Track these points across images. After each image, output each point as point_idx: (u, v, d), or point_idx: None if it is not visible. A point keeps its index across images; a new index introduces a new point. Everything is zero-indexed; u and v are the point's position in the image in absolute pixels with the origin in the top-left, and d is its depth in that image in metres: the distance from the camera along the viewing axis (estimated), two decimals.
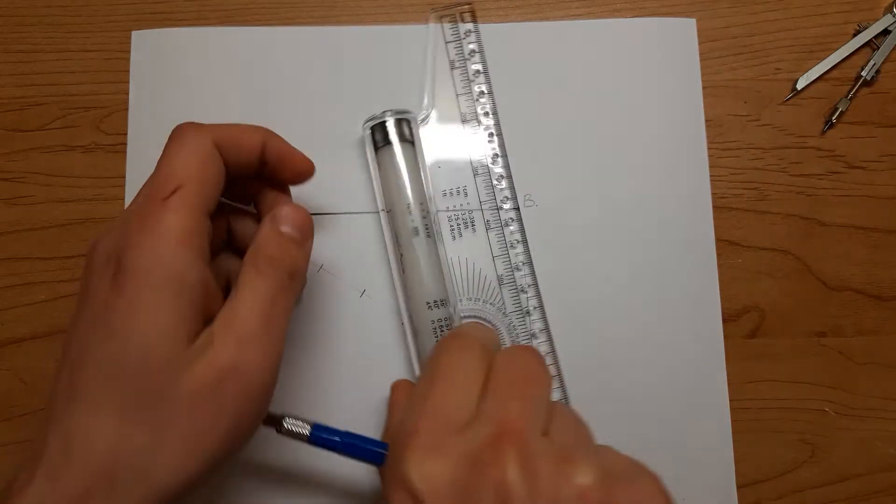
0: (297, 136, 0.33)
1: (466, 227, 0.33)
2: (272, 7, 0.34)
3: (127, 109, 0.33)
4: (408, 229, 0.30)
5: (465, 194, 0.33)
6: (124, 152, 0.33)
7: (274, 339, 0.23)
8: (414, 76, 0.34)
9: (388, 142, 0.31)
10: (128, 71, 0.34)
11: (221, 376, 0.22)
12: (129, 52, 0.34)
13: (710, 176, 0.34)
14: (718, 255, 0.33)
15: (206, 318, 0.23)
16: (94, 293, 0.22)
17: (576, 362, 0.32)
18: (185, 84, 0.34)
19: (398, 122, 0.31)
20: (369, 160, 0.32)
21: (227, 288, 0.27)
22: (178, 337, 0.21)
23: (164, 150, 0.25)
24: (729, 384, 0.32)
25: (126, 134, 0.33)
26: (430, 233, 0.30)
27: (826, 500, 0.32)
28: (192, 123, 0.25)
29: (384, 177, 0.31)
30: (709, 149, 0.34)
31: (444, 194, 0.33)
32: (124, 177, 0.33)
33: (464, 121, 0.33)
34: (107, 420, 0.21)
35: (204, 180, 0.24)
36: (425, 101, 0.33)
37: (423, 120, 0.33)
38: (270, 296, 0.23)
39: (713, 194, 0.34)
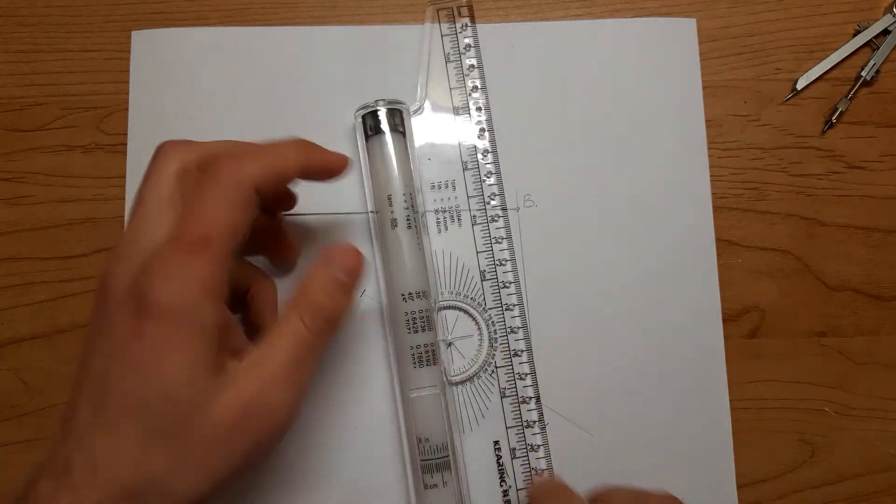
0: (297, 136, 0.33)
1: (453, 220, 0.33)
2: (272, 7, 0.34)
3: (127, 109, 0.33)
4: (390, 218, 0.30)
5: (454, 188, 0.33)
6: (124, 152, 0.33)
7: (301, 381, 0.24)
8: (414, 75, 0.34)
9: (378, 130, 0.31)
10: (128, 71, 0.34)
11: (243, 413, 0.22)
12: (129, 52, 0.34)
13: (710, 176, 0.34)
14: (718, 255, 0.33)
15: (227, 350, 0.23)
16: (112, 328, 0.22)
17: (576, 362, 0.32)
18: (185, 84, 0.34)
19: (390, 112, 0.31)
20: (359, 149, 0.32)
21: (232, 294, 0.27)
22: (199, 376, 0.22)
23: (198, 187, 0.24)
24: (729, 384, 0.32)
25: (126, 134, 0.33)
26: (412, 224, 0.30)
27: (826, 500, 0.32)
28: (232, 162, 0.24)
29: (373, 165, 0.31)
30: (709, 149, 0.34)
31: (433, 187, 0.33)
32: (124, 177, 0.33)
33: (456, 115, 0.33)
34: (129, 446, 0.22)
35: (236, 230, 0.23)
36: (419, 93, 0.33)
37: (415, 111, 0.33)
38: (308, 342, 0.24)
39: (713, 194, 0.34)
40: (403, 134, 0.31)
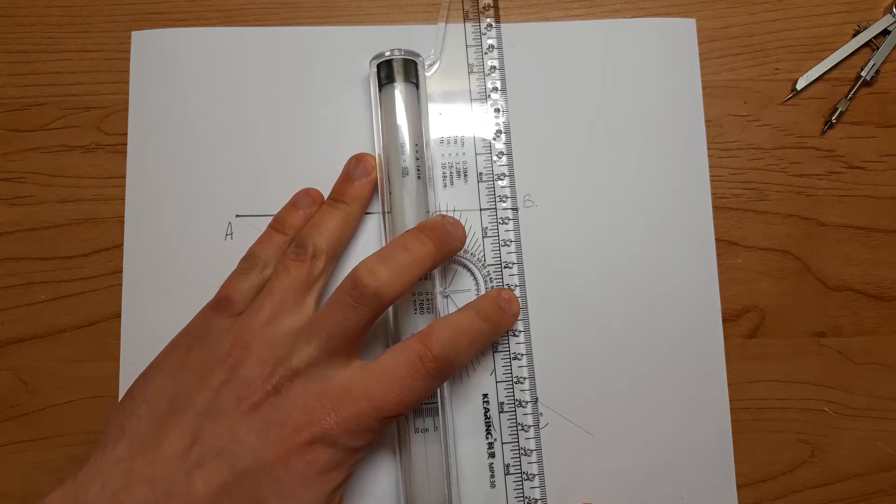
0: (298, 137, 0.33)
1: (459, 176, 0.33)
2: (272, 7, 0.34)
3: (127, 109, 0.33)
4: (399, 168, 0.30)
5: (462, 144, 0.33)
6: (124, 152, 0.33)
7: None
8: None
9: (391, 80, 0.31)
10: (128, 71, 0.34)
11: None
12: (129, 52, 0.34)
13: (710, 176, 0.34)
14: (718, 255, 0.33)
15: None
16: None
17: (576, 362, 0.32)
18: (185, 84, 0.34)
19: (404, 63, 0.31)
20: (372, 99, 0.32)
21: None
22: None
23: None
24: (729, 384, 0.32)
25: (126, 134, 0.33)
26: (422, 175, 0.31)
27: (826, 500, 0.32)
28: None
29: (385, 115, 0.31)
30: (709, 149, 0.34)
31: (442, 142, 0.33)
32: (124, 177, 0.33)
33: (470, 73, 0.34)
34: None
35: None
36: (432, 50, 0.34)
37: (430, 65, 0.34)
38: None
39: (713, 194, 0.34)
40: (416, 85, 0.31)
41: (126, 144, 0.33)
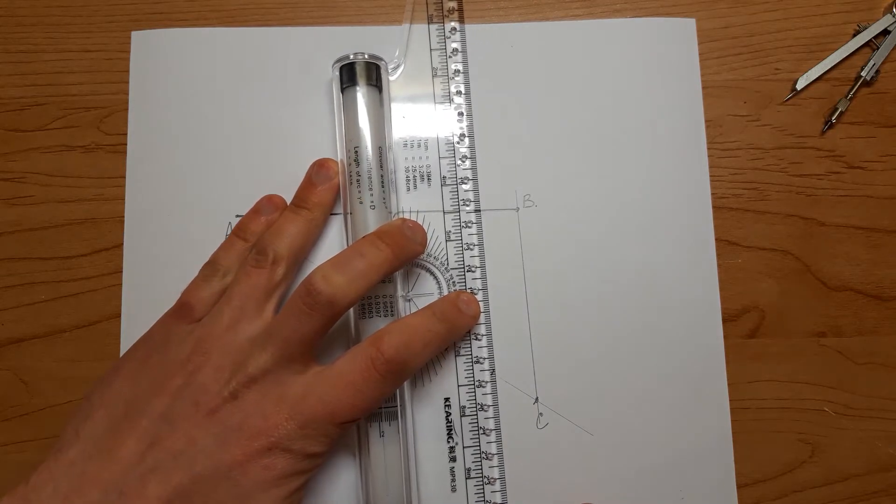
0: (299, 137, 0.33)
1: (423, 179, 0.33)
2: (272, 7, 0.34)
3: (127, 109, 0.33)
4: (362, 171, 0.30)
5: (426, 147, 0.33)
6: (124, 152, 0.33)
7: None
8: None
9: (353, 83, 0.31)
10: (128, 71, 0.34)
11: None
12: (129, 52, 0.34)
13: (710, 176, 0.34)
14: (718, 255, 0.33)
15: None
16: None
17: (576, 362, 0.32)
18: (185, 84, 0.34)
19: (367, 66, 0.31)
20: (335, 103, 0.32)
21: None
22: None
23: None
24: (729, 384, 0.32)
25: (126, 134, 0.33)
26: (384, 178, 0.31)
27: (826, 500, 0.32)
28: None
29: (347, 118, 0.31)
30: (709, 149, 0.34)
31: (405, 145, 0.33)
32: (124, 177, 0.33)
33: (434, 76, 0.34)
34: None
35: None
36: (396, 52, 0.34)
37: (394, 69, 0.34)
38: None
39: (713, 194, 0.34)
40: (379, 89, 0.31)
41: (126, 144, 0.33)
